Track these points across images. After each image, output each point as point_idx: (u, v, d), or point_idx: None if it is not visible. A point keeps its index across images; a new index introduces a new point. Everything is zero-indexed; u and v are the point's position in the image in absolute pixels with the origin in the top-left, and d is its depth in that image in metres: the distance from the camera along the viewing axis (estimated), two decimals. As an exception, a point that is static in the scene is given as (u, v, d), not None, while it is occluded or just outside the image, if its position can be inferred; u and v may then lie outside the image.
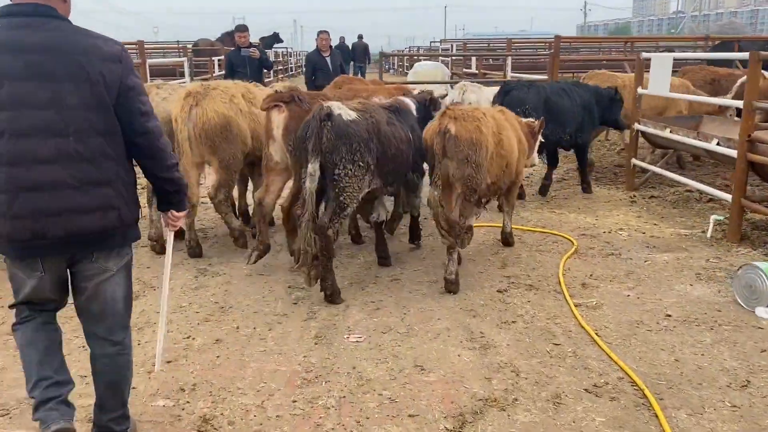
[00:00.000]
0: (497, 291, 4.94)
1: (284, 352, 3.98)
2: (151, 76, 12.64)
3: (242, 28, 10.37)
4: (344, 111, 4.58)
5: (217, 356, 3.96)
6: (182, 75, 13.55)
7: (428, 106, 5.65)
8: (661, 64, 7.42)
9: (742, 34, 21.66)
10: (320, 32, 10.99)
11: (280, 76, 31.13)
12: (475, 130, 4.74)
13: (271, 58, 28.94)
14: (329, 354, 3.95)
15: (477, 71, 17.08)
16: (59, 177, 2.50)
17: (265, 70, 10.75)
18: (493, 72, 18.63)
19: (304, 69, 12.29)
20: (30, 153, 2.47)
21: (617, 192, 8.27)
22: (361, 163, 4.55)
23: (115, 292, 2.77)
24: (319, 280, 4.68)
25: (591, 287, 5.03)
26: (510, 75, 13.78)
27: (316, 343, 4.10)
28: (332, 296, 4.71)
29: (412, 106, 5.45)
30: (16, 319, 2.82)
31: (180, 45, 22.19)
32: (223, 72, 10.96)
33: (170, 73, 15.80)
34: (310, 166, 4.46)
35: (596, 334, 4.19)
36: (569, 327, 4.33)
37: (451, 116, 4.74)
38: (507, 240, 6.05)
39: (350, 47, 24.41)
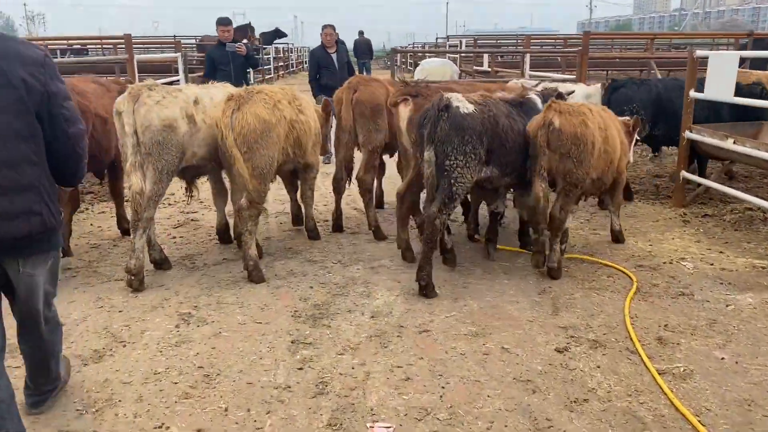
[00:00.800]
0: (556, 350, 3.93)
1: (288, 450, 2.97)
2: (141, 73, 11.65)
3: (224, 21, 9.28)
4: (462, 104, 4.63)
5: (198, 456, 2.95)
6: (178, 72, 12.47)
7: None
8: (723, 63, 6.39)
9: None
10: (325, 26, 9.94)
11: (280, 72, 30.13)
12: (579, 124, 4.77)
13: (272, 55, 28.13)
14: (348, 453, 2.95)
15: (489, 69, 16.06)
16: None
17: (251, 69, 9.59)
18: (506, 70, 17.62)
19: (307, 66, 11.20)
20: None
21: (664, 209, 7.26)
22: (472, 155, 4.59)
23: (39, 288, 2.89)
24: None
25: (670, 344, 4.02)
26: (528, 73, 12.77)
27: (329, 435, 3.10)
28: (426, 289, 4.73)
29: (538, 102, 5.24)
30: None
31: (176, 39, 21.10)
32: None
33: (165, 69, 14.78)
34: (426, 153, 4.61)
35: (699, 421, 3.18)
36: (659, 408, 3.32)
37: (556, 110, 4.78)
38: (617, 238, 6.00)
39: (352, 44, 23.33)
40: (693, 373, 3.66)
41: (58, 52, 22.30)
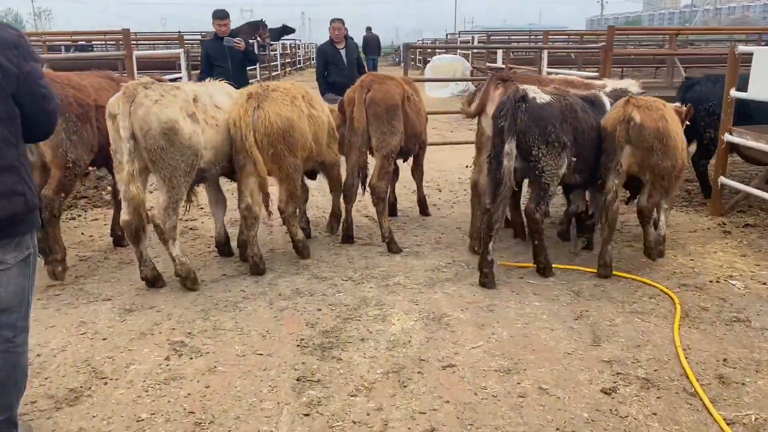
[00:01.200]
0: (602, 391, 3.39)
1: None
2: (141, 70, 11.18)
3: (221, 14, 8.71)
4: (539, 94, 4.68)
5: None
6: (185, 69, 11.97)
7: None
8: (770, 60, 5.82)
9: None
10: (333, 20, 9.38)
11: (287, 69, 29.64)
12: (660, 118, 4.78)
13: (278, 51, 27.59)
14: None
15: (504, 65, 15.48)
16: None
17: (250, 66, 9.01)
18: (520, 66, 17.05)
19: (315, 62, 10.66)
20: None
21: (700, 217, 6.70)
22: (556, 144, 4.64)
23: (9, 285, 2.65)
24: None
25: (734, 384, 3.48)
26: (546, 70, 12.20)
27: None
28: (545, 270, 4.97)
29: (607, 103, 5.17)
30: None
31: (180, 35, 20.61)
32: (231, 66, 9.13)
33: (168, 66, 14.30)
34: (506, 146, 4.59)
35: (785, 490, 2.65)
36: (734, 471, 2.79)
37: (635, 104, 4.79)
38: (652, 250, 5.26)
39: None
40: (766, 424, 3.13)
41: (62, 47, 21.98)
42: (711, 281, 4.95)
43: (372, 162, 5.66)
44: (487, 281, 4.78)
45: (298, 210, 5.45)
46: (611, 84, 5.88)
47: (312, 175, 5.95)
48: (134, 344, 3.92)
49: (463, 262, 5.36)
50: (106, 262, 5.44)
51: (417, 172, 6.69)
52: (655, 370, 3.61)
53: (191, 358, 3.75)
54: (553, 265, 5.15)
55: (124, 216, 4.52)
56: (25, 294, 2.73)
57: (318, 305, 4.50)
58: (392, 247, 5.61)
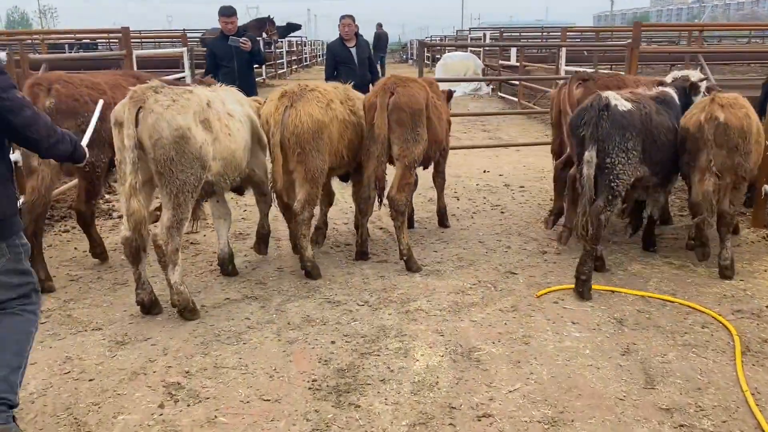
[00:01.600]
0: (666, 451, 2.91)
1: None
2: (143, 69, 10.74)
3: (228, 12, 8.21)
4: (620, 102, 4.62)
5: None
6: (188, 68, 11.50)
7: (688, 93, 5.22)
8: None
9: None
10: (343, 17, 8.89)
11: (293, 67, 29.20)
12: (744, 117, 4.71)
13: (285, 49, 27.12)
14: None
15: (518, 63, 14.98)
16: None
17: (257, 66, 8.50)
18: (535, 64, 16.53)
19: (324, 61, 10.15)
20: None
21: (741, 229, 6.18)
22: (633, 152, 4.62)
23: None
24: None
25: (819, 440, 2.99)
26: (564, 68, 11.71)
27: None
28: (583, 286, 4.64)
29: (675, 97, 5.12)
30: None
31: (183, 33, 20.15)
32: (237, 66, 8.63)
33: (172, 65, 13.85)
34: (587, 153, 4.55)
35: None
36: None
37: (719, 103, 4.70)
38: (729, 268, 4.98)
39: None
40: None
41: (66, 46, 21.58)
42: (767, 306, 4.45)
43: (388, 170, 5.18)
44: (584, 291, 4.66)
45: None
46: (671, 75, 5.61)
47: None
48: (124, 387, 3.45)
49: (489, 283, 4.87)
50: (99, 283, 4.98)
51: (438, 179, 6.23)
52: (724, 422, 3.13)
53: (188, 405, 3.27)
54: (593, 286, 4.67)
55: (124, 232, 4.10)
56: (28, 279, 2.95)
57: (331, 336, 4.03)
58: (411, 266, 5.13)
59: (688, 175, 4.93)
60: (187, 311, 4.24)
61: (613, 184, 4.60)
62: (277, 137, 4.66)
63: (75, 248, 5.81)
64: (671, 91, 5.15)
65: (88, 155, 3.18)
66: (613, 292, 4.70)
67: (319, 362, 3.71)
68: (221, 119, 4.33)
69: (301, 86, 4.88)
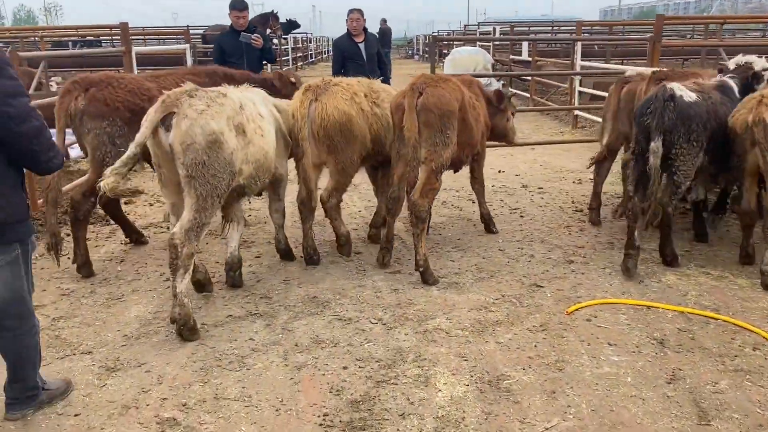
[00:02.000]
0: (734, 506, 2.52)
1: None
2: (142, 66, 10.39)
3: (239, 5, 7.78)
4: (685, 93, 4.63)
5: None
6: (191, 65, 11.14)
7: (750, 82, 5.13)
8: None
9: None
10: (351, 11, 8.51)
11: (299, 63, 28.83)
12: None
13: (290, 45, 26.71)
14: None
15: (530, 58, 14.55)
16: None
17: (266, 63, 8.11)
18: (547, 59, 16.10)
19: (331, 57, 9.76)
20: None
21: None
22: (695, 143, 4.60)
23: (4, 283, 2.87)
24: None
25: None
26: (579, 63, 11.29)
27: None
28: (672, 261, 4.96)
29: (735, 87, 5.06)
30: None
31: (186, 29, 19.79)
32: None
33: (175, 62, 13.48)
34: (653, 144, 4.56)
35: None
36: None
37: (767, 104, 4.49)
38: None
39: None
40: None
41: (69, 43, 21.26)
42: (822, 324, 4.05)
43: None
44: (630, 265, 4.78)
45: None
46: (733, 61, 5.44)
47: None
48: (113, 424, 3.08)
49: (513, 298, 4.49)
50: (92, 298, 4.62)
51: (476, 185, 5.88)
52: (795, 467, 2.74)
53: (184, 446, 2.91)
54: (626, 301, 4.29)
55: (174, 229, 4.01)
56: (22, 290, 2.98)
57: (343, 360, 3.65)
58: (427, 278, 4.75)
59: (738, 177, 4.83)
60: (186, 329, 3.90)
61: (677, 173, 4.66)
62: (304, 131, 4.77)
63: (68, 257, 5.44)
64: (731, 81, 5.07)
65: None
66: (649, 307, 4.31)
67: (331, 392, 3.33)
68: (254, 121, 4.27)
69: (324, 80, 5.00)
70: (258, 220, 6.49)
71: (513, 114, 6.04)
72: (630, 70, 7.08)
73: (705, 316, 4.16)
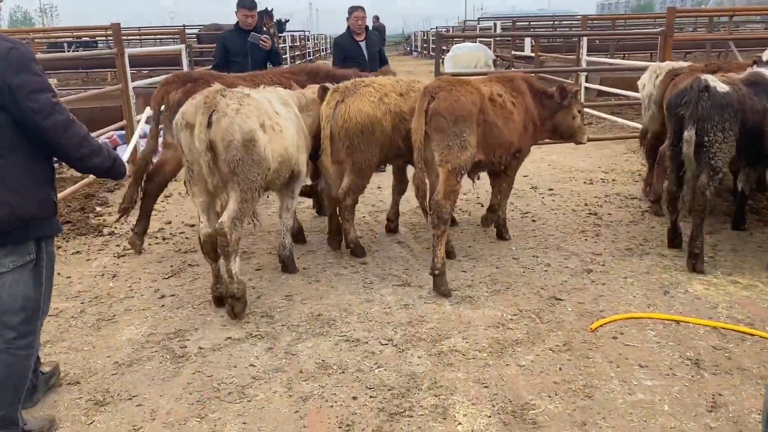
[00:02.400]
0: None
1: None
2: (149, 67, 10.14)
3: (248, 4, 7.44)
4: (718, 84, 4.69)
5: None
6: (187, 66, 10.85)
7: None
8: None
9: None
10: (354, 9, 8.20)
11: (297, 62, 28.48)
12: None
13: (288, 43, 26.35)
14: None
15: (533, 54, 14.25)
16: None
17: (272, 66, 7.81)
18: (549, 54, 15.80)
19: (331, 55, 9.44)
20: None
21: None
22: (730, 132, 4.66)
23: (6, 288, 2.71)
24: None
25: None
26: (585, 59, 10.99)
27: None
28: (696, 259, 4.82)
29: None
30: None
31: (182, 29, 19.47)
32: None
33: (166, 62, 13.21)
34: (686, 133, 4.66)
35: None
36: None
37: None
38: None
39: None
40: None
41: (65, 45, 20.96)
42: None
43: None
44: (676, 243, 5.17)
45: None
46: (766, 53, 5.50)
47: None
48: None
49: (532, 313, 4.19)
50: (81, 319, 4.32)
51: (504, 183, 5.50)
52: None
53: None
54: (654, 315, 4.00)
55: (206, 229, 4.25)
56: (29, 300, 2.78)
57: (352, 389, 3.36)
58: (440, 285, 4.47)
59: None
60: (240, 303, 4.20)
61: (712, 161, 4.70)
62: (327, 130, 4.85)
63: (58, 274, 5.14)
64: (765, 72, 5.04)
65: (128, 172, 3.16)
66: (678, 322, 4.02)
67: (340, 428, 3.04)
68: (272, 118, 4.39)
69: (356, 82, 5.04)
70: (259, 228, 6.19)
71: (580, 112, 5.61)
72: (654, 65, 6.75)
73: (740, 332, 3.87)
